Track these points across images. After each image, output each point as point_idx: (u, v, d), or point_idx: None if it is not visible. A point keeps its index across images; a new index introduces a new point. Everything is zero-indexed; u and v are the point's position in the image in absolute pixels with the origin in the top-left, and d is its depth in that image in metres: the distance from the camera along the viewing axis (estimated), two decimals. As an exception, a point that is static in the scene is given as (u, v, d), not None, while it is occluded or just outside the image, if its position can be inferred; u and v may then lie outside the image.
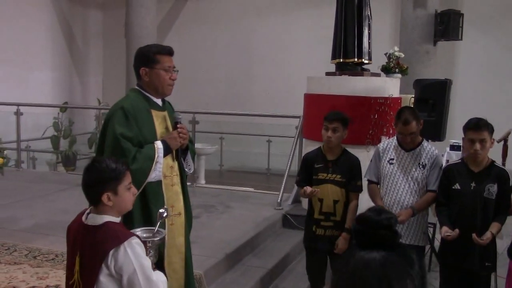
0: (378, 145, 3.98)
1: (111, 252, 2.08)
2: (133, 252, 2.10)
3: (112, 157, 2.33)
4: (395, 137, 3.90)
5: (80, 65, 13.16)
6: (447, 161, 5.32)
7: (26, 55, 11.25)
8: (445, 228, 3.44)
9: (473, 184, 3.43)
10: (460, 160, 3.65)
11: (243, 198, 6.76)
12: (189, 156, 3.13)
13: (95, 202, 2.18)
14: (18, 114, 8.71)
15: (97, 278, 2.08)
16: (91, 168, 2.18)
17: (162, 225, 2.87)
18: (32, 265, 4.33)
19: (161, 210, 2.54)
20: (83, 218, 2.21)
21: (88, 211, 2.23)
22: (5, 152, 5.65)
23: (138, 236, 2.22)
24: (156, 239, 2.43)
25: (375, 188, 3.82)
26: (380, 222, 1.08)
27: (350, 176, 3.79)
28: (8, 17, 10.75)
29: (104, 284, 2.10)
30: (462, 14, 8.94)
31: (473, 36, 9.67)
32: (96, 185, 2.15)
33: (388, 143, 3.86)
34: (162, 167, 2.87)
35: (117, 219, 2.22)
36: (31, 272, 4.20)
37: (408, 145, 3.74)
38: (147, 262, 2.16)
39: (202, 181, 8.23)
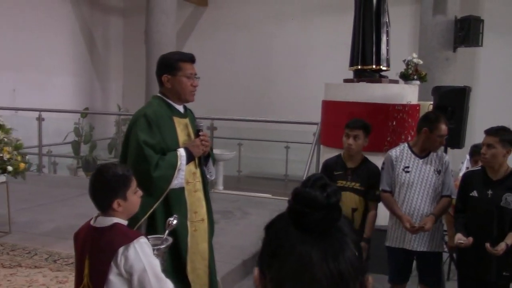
0: (389, 153, 3.89)
1: (120, 250, 2.12)
2: (142, 251, 2.14)
3: (117, 164, 2.36)
4: (405, 144, 3.86)
5: (101, 71, 13.34)
6: (467, 168, 5.26)
7: (48, 61, 11.45)
8: (458, 235, 3.41)
9: (490, 192, 3.39)
10: (480, 167, 3.61)
11: (261, 204, 6.77)
12: (210, 163, 3.16)
13: (105, 209, 2.23)
14: (40, 119, 8.86)
15: (107, 277, 2.12)
16: (99, 177, 2.22)
17: (185, 232, 2.90)
18: (52, 269, 4.40)
19: (170, 218, 2.56)
20: (92, 221, 2.27)
21: (96, 215, 2.29)
22: (27, 157, 5.74)
23: (146, 236, 2.26)
24: (162, 246, 2.45)
25: (390, 197, 3.78)
26: (317, 200, 0.90)
27: (369, 184, 3.77)
28: (31, 24, 10.95)
29: (114, 284, 2.13)
30: (483, 20, 8.86)
31: (493, 42, 9.57)
32: (106, 193, 2.20)
33: (400, 151, 3.81)
34: (184, 174, 2.90)
35: (125, 222, 2.28)
36: (51, 276, 4.27)
37: (426, 150, 3.72)
38: (156, 261, 2.21)
39: (220, 186, 8.27)
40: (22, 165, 5.15)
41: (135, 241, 2.14)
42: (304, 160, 7.10)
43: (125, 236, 2.17)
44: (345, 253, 0.91)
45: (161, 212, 2.86)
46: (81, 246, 2.26)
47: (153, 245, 2.37)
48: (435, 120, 3.68)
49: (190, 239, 2.97)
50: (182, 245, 2.90)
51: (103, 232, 2.19)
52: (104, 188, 2.20)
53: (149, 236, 2.48)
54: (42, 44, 11.24)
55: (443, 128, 3.66)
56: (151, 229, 2.82)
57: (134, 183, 2.26)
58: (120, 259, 2.12)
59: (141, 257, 2.13)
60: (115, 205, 2.19)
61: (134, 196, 2.26)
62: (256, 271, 0.98)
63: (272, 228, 0.99)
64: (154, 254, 2.28)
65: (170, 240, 2.53)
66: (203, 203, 3.08)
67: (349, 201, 3.77)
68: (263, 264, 0.96)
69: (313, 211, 0.91)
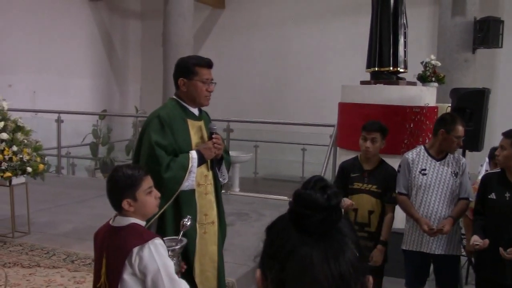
0: (405, 156, 3.86)
1: (135, 250, 2.14)
2: (157, 252, 2.16)
3: (130, 165, 2.39)
4: (421, 147, 3.83)
5: (119, 74, 13.47)
6: (486, 171, 5.20)
7: (67, 64, 11.61)
8: (475, 237, 3.37)
9: (508, 195, 3.34)
10: (500, 170, 3.56)
11: (277, 206, 6.75)
12: (223, 166, 3.16)
13: (118, 209, 2.27)
14: (59, 121, 8.98)
15: (121, 276, 2.15)
16: (110, 177, 2.28)
17: (194, 234, 2.91)
18: (70, 269, 4.45)
19: (184, 219, 2.58)
20: (110, 221, 2.31)
21: (114, 214, 2.32)
22: (46, 158, 5.82)
23: (161, 238, 2.28)
24: (176, 247, 2.46)
25: (407, 200, 3.75)
26: (318, 202, 0.90)
27: (386, 187, 3.74)
28: (51, 28, 11.11)
29: (127, 283, 2.16)
30: (502, 21, 8.74)
31: (514, 43, 9.43)
32: (115, 192, 2.24)
33: (417, 153, 3.77)
34: (195, 177, 2.91)
35: (142, 222, 2.30)
36: (69, 276, 4.32)
37: (442, 153, 3.69)
38: (170, 262, 2.22)
39: (237, 188, 8.28)
40: (41, 166, 5.22)
41: (150, 242, 2.16)
42: (320, 162, 7.07)
43: (140, 236, 2.19)
44: (346, 254, 0.91)
45: (171, 214, 2.88)
46: (100, 244, 2.31)
47: (168, 246, 2.39)
48: (452, 121, 3.65)
49: (199, 241, 2.98)
50: (191, 247, 2.91)
51: (119, 231, 2.23)
52: (114, 188, 2.25)
53: (164, 238, 2.50)
54: (62, 47, 11.39)
55: (460, 129, 3.63)
56: (161, 230, 2.83)
57: (146, 184, 2.27)
58: (135, 259, 2.14)
59: (156, 258, 2.15)
60: (124, 205, 2.22)
61: (147, 197, 2.27)
62: (258, 272, 0.98)
63: (273, 230, 0.99)
64: (169, 255, 2.30)
65: (185, 241, 2.54)
66: (214, 205, 3.09)
67: (366, 203, 3.74)
68: (265, 265, 0.96)
69: (314, 213, 0.91)
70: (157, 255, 2.16)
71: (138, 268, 2.14)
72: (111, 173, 2.29)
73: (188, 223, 2.55)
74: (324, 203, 0.91)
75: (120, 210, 2.26)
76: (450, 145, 3.67)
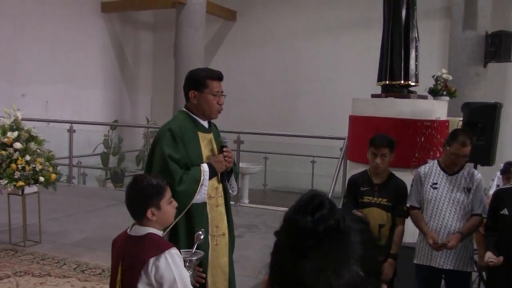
0: (418, 169, 3.85)
1: (151, 260, 2.16)
2: (173, 262, 2.18)
3: (152, 174, 2.41)
4: (435, 161, 3.82)
5: (130, 84, 13.58)
6: (498, 185, 5.17)
7: (80, 75, 11.74)
8: (489, 254, 3.34)
9: None
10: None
11: (286, 218, 6.76)
12: (233, 178, 3.18)
13: (140, 217, 2.28)
14: (71, 131, 9.05)
15: (135, 285, 2.16)
16: (134, 186, 2.29)
17: (206, 247, 2.92)
18: (80, 279, 4.47)
19: (198, 232, 2.59)
20: (128, 230, 2.33)
21: (133, 223, 2.34)
22: (58, 168, 5.87)
23: (177, 247, 2.29)
24: (194, 258, 2.48)
25: (418, 214, 3.74)
26: (305, 230, 0.88)
27: (396, 200, 3.73)
28: (64, 39, 11.25)
29: None
30: (514, 35, 8.73)
31: (526, 57, 9.38)
32: (141, 201, 2.25)
33: (429, 168, 3.77)
34: (207, 189, 2.93)
35: (159, 232, 2.32)
36: (79, 285, 4.34)
37: (453, 167, 3.67)
38: (186, 273, 2.24)
39: (246, 200, 8.28)
40: (53, 176, 5.27)
41: (166, 251, 2.18)
42: (330, 174, 7.07)
43: (156, 246, 2.21)
44: (350, 268, 0.88)
45: (184, 226, 2.90)
46: (117, 252, 2.33)
47: (184, 257, 2.40)
48: (454, 137, 3.61)
49: (211, 253, 2.99)
50: (203, 260, 2.92)
51: (137, 241, 2.25)
52: (139, 197, 2.26)
53: (180, 251, 2.52)
54: (75, 58, 11.52)
55: (457, 147, 3.55)
56: (174, 242, 2.84)
57: (168, 193, 2.30)
58: (151, 269, 2.16)
59: (172, 267, 2.16)
60: (149, 214, 2.24)
61: (168, 206, 2.30)
62: (266, 276, 0.98)
63: (277, 240, 0.97)
64: (186, 266, 2.31)
65: (202, 253, 2.56)
66: (225, 217, 3.11)
67: (376, 217, 3.73)
68: (271, 274, 0.96)
69: (304, 240, 0.89)
70: (173, 265, 2.17)
71: (154, 277, 2.16)
72: (133, 182, 2.30)
73: (202, 236, 2.57)
74: (311, 229, 0.89)
75: (141, 219, 2.27)
76: (447, 159, 3.65)
